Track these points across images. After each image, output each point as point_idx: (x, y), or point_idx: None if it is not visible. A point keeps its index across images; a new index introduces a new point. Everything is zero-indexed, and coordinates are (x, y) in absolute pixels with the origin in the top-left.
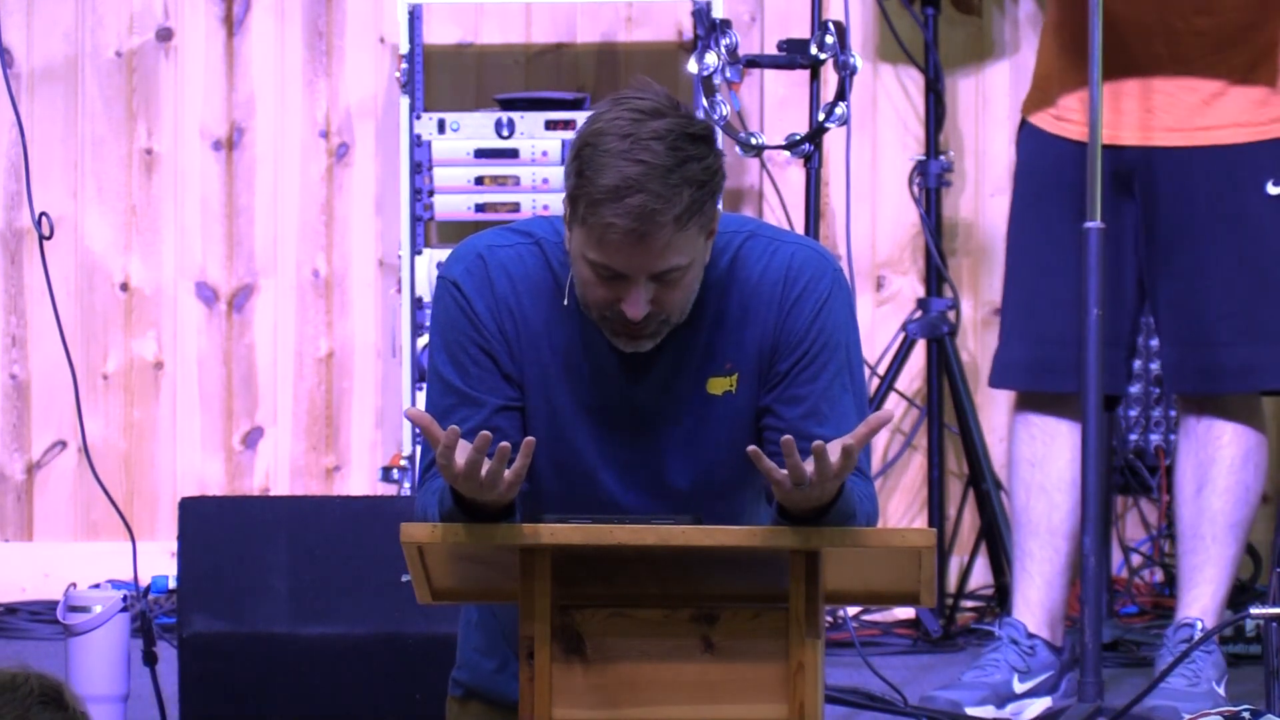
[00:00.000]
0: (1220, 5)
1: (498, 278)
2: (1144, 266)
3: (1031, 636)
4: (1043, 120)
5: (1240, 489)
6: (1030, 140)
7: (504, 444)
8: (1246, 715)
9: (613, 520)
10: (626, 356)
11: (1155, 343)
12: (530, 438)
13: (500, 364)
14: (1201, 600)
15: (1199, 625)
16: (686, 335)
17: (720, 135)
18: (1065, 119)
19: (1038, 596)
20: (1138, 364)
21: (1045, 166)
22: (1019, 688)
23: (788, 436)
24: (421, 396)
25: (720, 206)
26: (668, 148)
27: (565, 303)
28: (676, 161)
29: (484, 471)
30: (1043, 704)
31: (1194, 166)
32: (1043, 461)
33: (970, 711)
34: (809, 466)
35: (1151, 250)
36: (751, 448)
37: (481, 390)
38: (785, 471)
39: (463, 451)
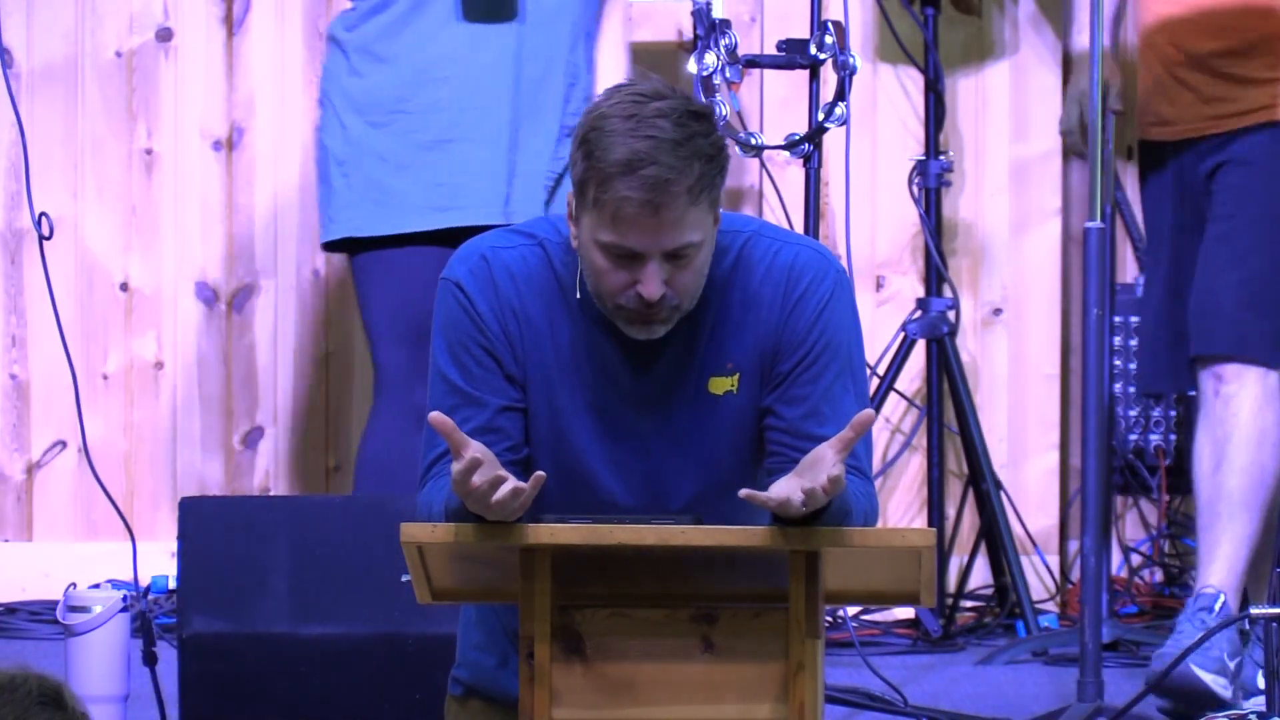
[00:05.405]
0: (1244, 25)
1: (501, 279)
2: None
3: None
4: (1147, 132)
5: (1256, 468)
6: (1146, 154)
7: (519, 485)
8: (1254, 718)
9: (613, 520)
10: (628, 357)
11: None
12: (540, 473)
13: (503, 365)
14: (1220, 573)
15: (1221, 598)
16: (689, 334)
17: None
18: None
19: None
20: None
21: (1156, 173)
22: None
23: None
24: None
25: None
26: (674, 124)
27: (577, 296)
28: (685, 136)
29: (493, 500)
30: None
31: (1255, 142)
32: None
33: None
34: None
35: (1203, 233)
36: (744, 491)
37: (484, 391)
38: (782, 497)
39: (480, 474)
